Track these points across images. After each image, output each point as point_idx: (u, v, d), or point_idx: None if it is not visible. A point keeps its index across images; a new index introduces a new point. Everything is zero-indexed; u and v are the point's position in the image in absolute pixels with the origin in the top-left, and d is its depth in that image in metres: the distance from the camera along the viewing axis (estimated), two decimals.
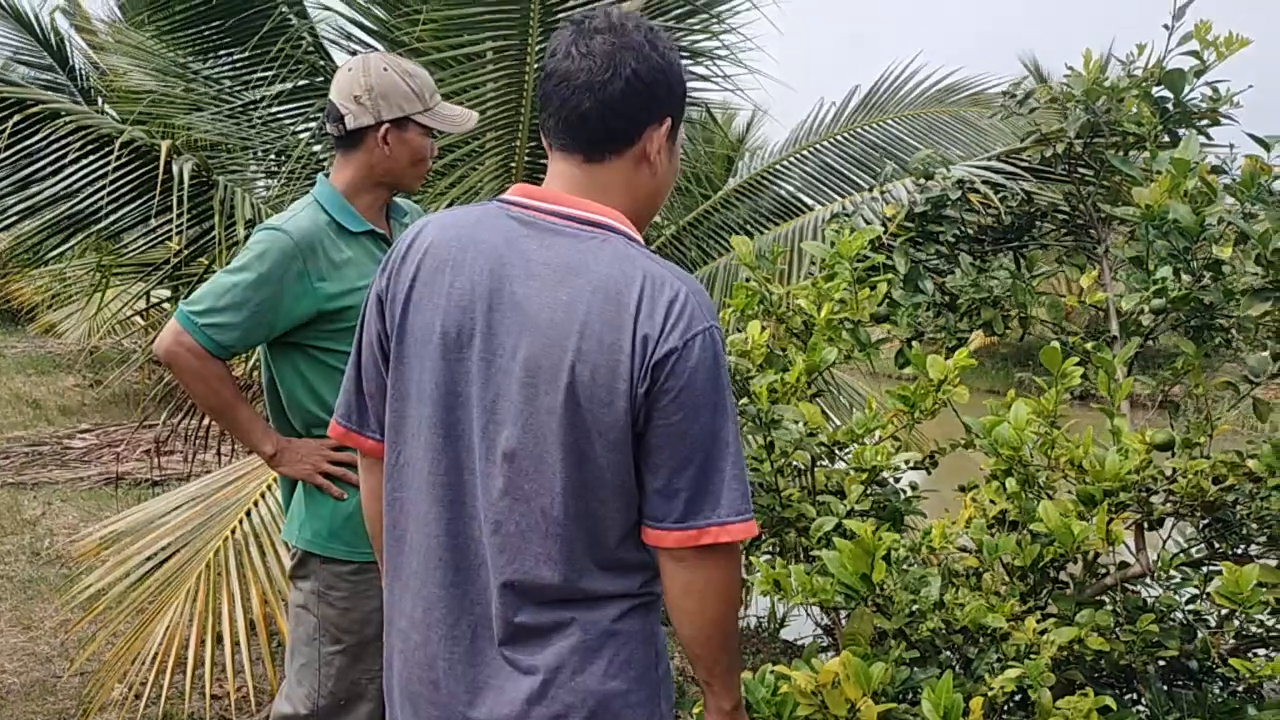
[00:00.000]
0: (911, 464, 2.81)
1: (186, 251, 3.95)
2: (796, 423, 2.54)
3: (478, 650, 1.45)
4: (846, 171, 5.00)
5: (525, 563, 1.40)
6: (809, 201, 4.95)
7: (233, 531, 3.03)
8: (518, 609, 1.42)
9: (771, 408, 2.52)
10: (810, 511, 2.55)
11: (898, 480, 2.80)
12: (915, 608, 2.18)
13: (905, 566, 2.29)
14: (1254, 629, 2.47)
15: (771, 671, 1.92)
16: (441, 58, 4.03)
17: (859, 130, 5.18)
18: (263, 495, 3.10)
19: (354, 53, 4.18)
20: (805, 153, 5.24)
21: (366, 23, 4.50)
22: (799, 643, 4.75)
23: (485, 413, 1.40)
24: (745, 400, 2.57)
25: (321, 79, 4.45)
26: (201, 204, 3.78)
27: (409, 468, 1.48)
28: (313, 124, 4.50)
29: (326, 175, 2.29)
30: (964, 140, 4.97)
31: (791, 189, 5.14)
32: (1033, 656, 2.03)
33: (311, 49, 4.45)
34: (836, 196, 4.81)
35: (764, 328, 2.74)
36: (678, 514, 1.38)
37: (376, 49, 4.46)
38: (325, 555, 2.20)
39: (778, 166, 5.27)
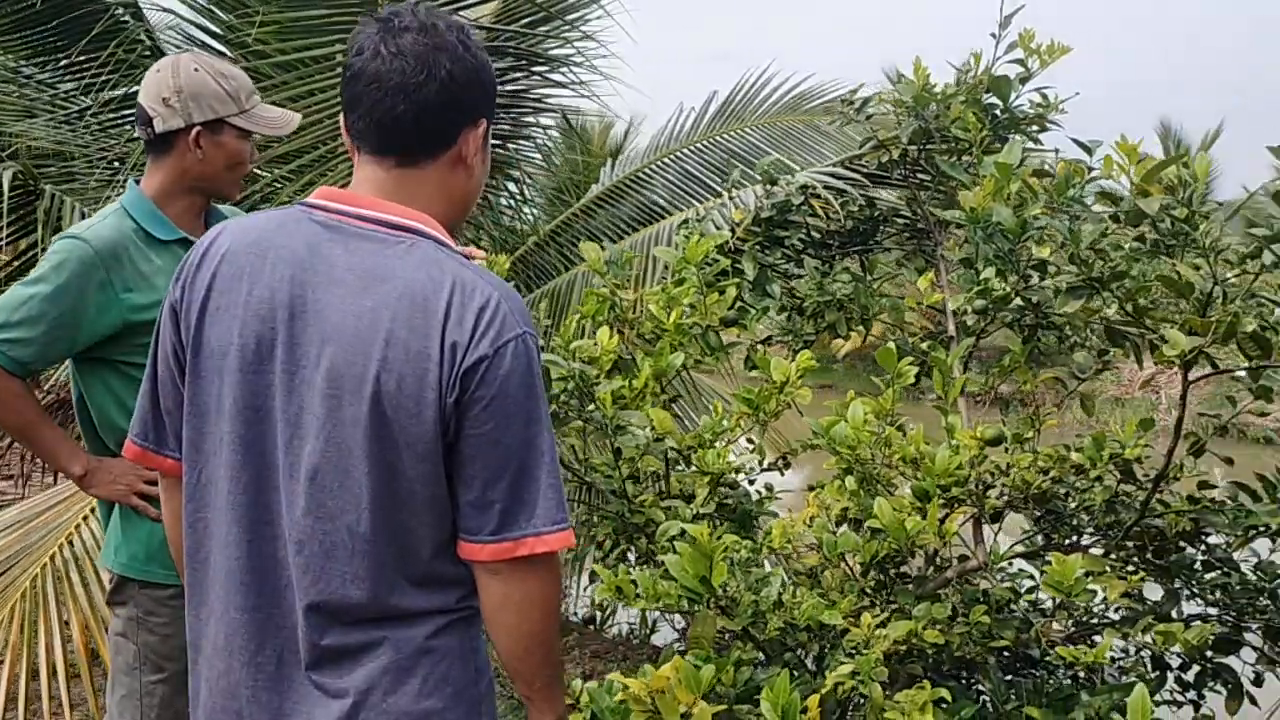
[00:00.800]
0: (765, 466, 2.85)
1: (15, 264, 3.74)
2: (643, 428, 2.54)
3: (284, 676, 1.38)
4: (707, 179, 5.06)
5: (331, 582, 1.35)
6: (671, 208, 4.99)
7: (53, 558, 2.86)
8: (325, 631, 1.36)
9: (617, 414, 2.51)
10: (660, 516, 2.55)
11: (752, 482, 2.83)
12: (758, 608, 2.19)
13: (750, 568, 2.31)
14: (1082, 616, 2.57)
15: (598, 674, 1.90)
16: (287, 60, 3.91)
17: (719, 138, 5.25)
18: (85, 519, 2.94)
19: None
20: (667, 160, 5.28)
21: (211, 26, 4.35)
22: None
23: (289, 427, 1.34)
24: (592, 407, 2.55)
25: None
26: (29, 214, 3.59)
27: (209, 487, 1.41)
28: None
29: (139, 181, 2.18)
30: (817, 148, 5.08)
31: (655, 196, 5.17)
32: (867, 652, 2.06)
33: (149, 52, 4.27)
34: (697, 203, 4.86)
35: (617, 333, 2.73)
36: (492, 526, 1.35)
37: (224, 53, 4.32)
38: (143, 579, 2.09)
39: (641, 174, 5.29)
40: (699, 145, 5.30)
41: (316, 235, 1.37)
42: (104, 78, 4.13)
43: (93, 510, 2.99)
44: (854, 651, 2.13)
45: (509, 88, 4.20)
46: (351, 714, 1.35)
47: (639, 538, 2.65)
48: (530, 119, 4.46)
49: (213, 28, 4.36)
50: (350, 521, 1.33)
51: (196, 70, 2.11)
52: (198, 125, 2.10)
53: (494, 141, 4.47)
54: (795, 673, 2.31)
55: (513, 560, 1.36)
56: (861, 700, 2.31)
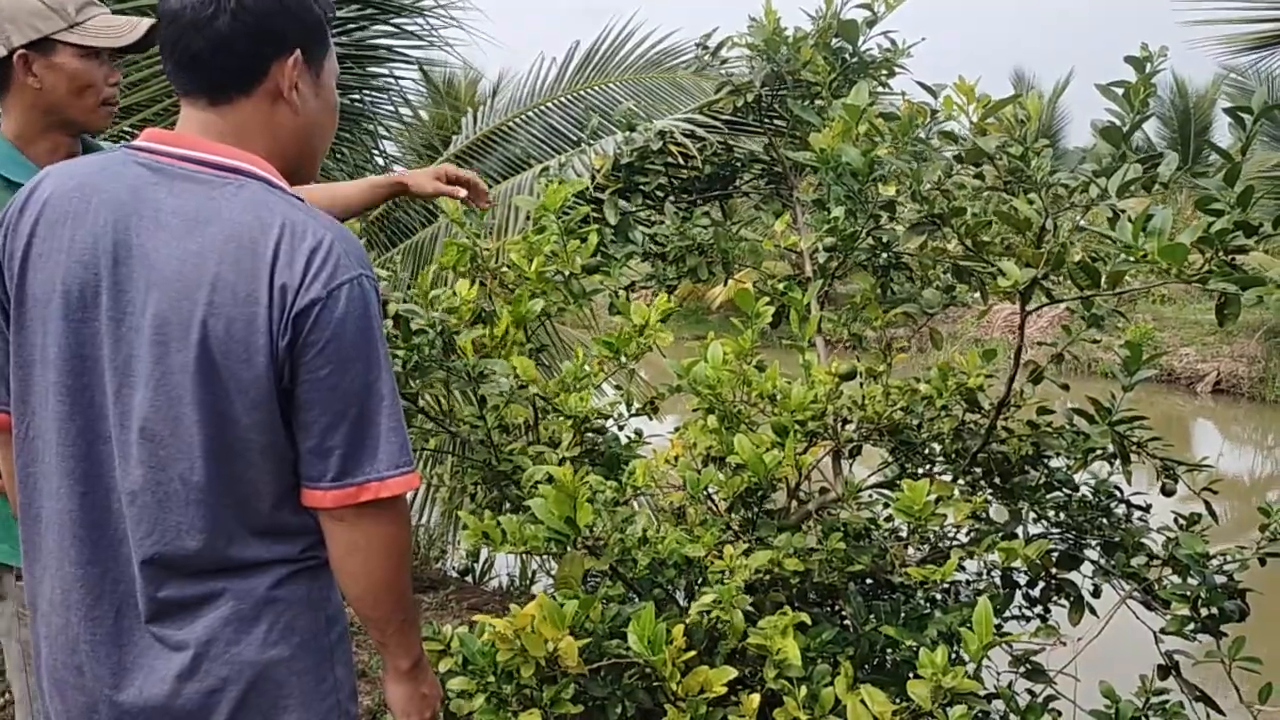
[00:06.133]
0: (634, 411, 2.88)
1: None
2: (506, 376, 2.54)
3: (123, 629, 1.36)
4: (572, 133, 5.04)
5: (166, 534, 1.32)
6: (535, 162, 4.95)
7: None
8: (162, 583, 1.34)
9: (480, 361, 2.51)
10: (527, 463, 2.56)
11: (622, 428, 2.86)
12: (624, 546, 2.22)
13: (616, 508, 2.34)
14: (935, 540, 2.69)
15: (474, 621, 1.92)
16: (122, 9, 3.71)
17: (583, 93, 5.23)
18: None
19: None
20: (532, 114, 5.23)
21: None
22: None
23: (118, 376, 1.30)
24: (454, 357, 2.54)
25: None
26: None
27: (38, 440, 1.36)
28: None
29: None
30: (680, 106, 5.09)
31: (519, 150, 5.12)
32: (728, 581, 2.12)
33: None
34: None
35: (480, 283, 2.71)
36: (334, 472, 1.33)
37: None
38: (11, 563, 1.94)
39: (506, 127, 5.23)
40: (564, 100, 5.27)
41: (141, 178, 1.32)
42: None
43: None
44: (718, 582, 2.19)
45: (355, 36, 4.07)
46: (193, 666, 1.34)
47: (507, 485, 2.65)
48: (381, 70, 4.33)
49: None
50: (183, 470, 1.30)
51: None
52: (20, 48, 1.89)
53: (338, 91, 4.33)
54: (664, 607, 2.36)
55: (357, 506, 1.34)
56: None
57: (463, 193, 2.36)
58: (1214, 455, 10.07)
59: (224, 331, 1.27)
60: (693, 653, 1.94)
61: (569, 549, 2.18)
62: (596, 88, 5.29)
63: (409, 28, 4.20)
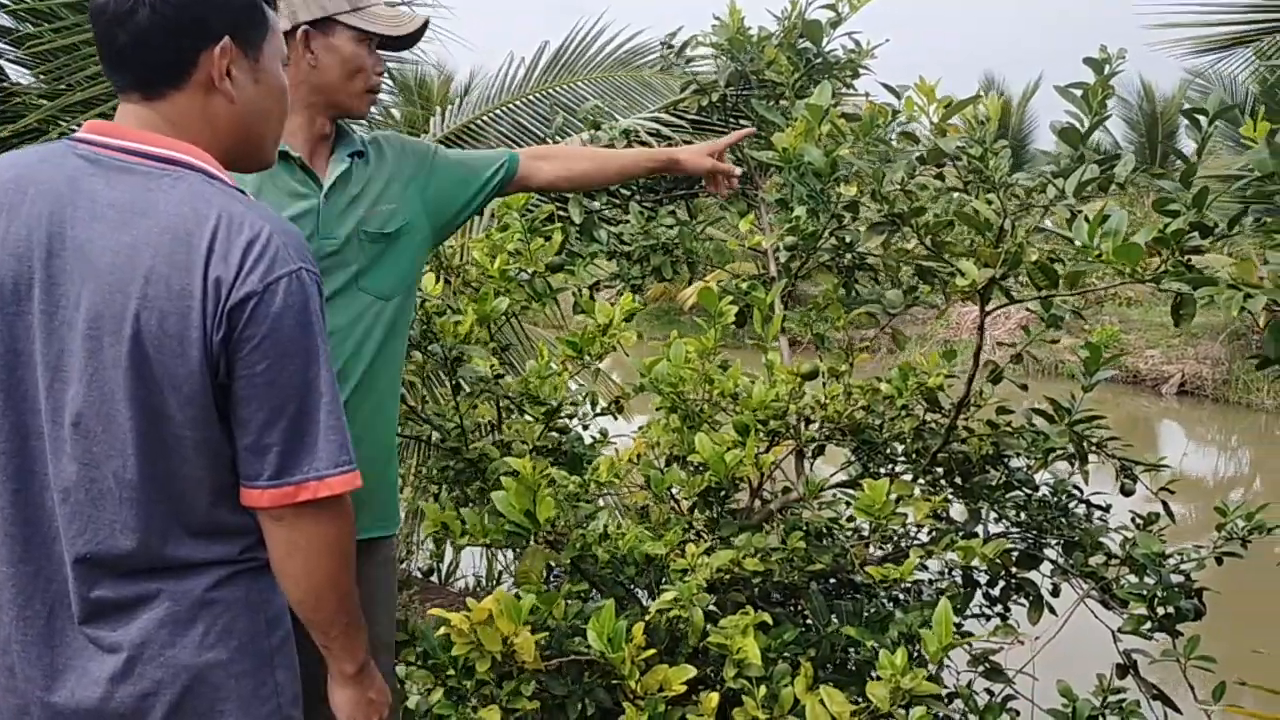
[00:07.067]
0: (598, 411, 2.87)
1: None
2: (483, 363, 2.54)
3: (55, 630, 1.33)
4: (539, 131, 5.02)
5: (99, 532, 1.30)
6: None
7: None
8: (95, 583, 1.31)
9: (458, 345, 2.49)
10: (494, 453, 2.54)
11: (586, 428, 2.85)
12: (585, 541, 2.21)
13: (578, 503, 2.33)
14: (896, 540, 2.70)
15: (430, 615, 1.90)
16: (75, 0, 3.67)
17: (550, 91, 5.21)
18: None
19: None
20: (500, 112, 5.21)
21: None
22: None
23: (49, 371, 1.28)
24: (432, 343, 2.52)
25: None
26: None
27: None
28: None
29: None
30: (648, 104, 5.08)
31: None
32: (689, 579, 2.11)
33: None
34: None
35: (445, 281, 2.70)
36: (271, 471, 1.31)
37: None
38: None
39: (474, 125, 5.21)
40: (532, 98, 5.25)
41: (79, 169, 1.30)
42: None
43: None
44: (679, 580, 2.18)
45: None
46: (126, 668, 1.31)
47: (471, 480, 2.63)
48: None
49: None
50: (116, 468, 1.28)
51: None
52: (304, 25, 1.85)
53: None
54: (626, 606, 2.36)
55: (296, 506, 1.32)
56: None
57: (737, 173, 2.29)
58: (1178, 456, 10.20)
59: (157, 326, 1.24)
60: (652, 651, 1.94)
61: (530, 542, 2.17)
62: (564, 85, 5.28)
63: None
